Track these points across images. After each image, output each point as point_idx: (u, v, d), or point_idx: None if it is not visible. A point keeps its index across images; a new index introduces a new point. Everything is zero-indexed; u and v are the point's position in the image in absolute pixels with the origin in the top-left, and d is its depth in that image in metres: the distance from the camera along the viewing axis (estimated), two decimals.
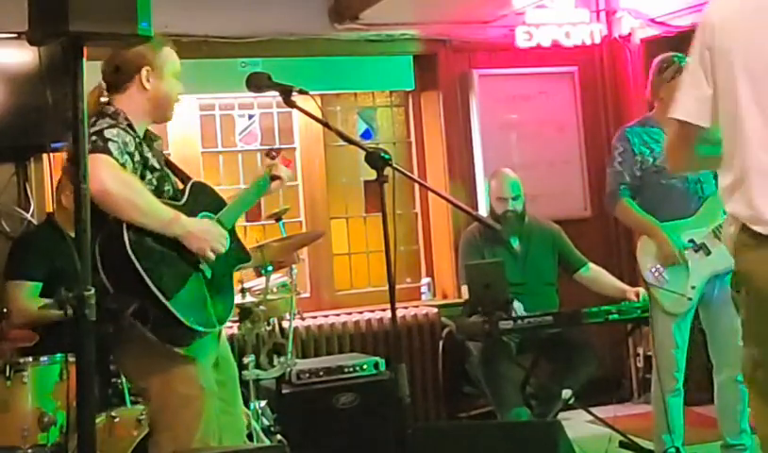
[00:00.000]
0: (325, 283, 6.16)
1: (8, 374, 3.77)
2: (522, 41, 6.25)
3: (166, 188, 3.22)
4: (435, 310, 6.03)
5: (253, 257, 4.34)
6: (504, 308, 4.63)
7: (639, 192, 4.37)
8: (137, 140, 3.15)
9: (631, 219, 4.48)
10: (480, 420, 5.49)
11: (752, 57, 2.29)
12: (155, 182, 3.17)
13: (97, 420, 3.38)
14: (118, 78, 3.21)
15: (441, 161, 6.29)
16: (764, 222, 2.23)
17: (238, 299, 4.41)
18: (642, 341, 6.02)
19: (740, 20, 2.33)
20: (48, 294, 4.28)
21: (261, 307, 4.46)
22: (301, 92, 3.10)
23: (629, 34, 6.43)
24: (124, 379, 3.95)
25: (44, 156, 5.16)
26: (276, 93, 3.11)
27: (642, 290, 4.65)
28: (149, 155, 3.19)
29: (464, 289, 5.15)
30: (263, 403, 4.53)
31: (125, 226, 2.95)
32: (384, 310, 5.84)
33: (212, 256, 3.14)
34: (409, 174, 3.47)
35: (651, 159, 4.32)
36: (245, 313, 4.46)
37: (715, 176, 2.45)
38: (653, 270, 4.31)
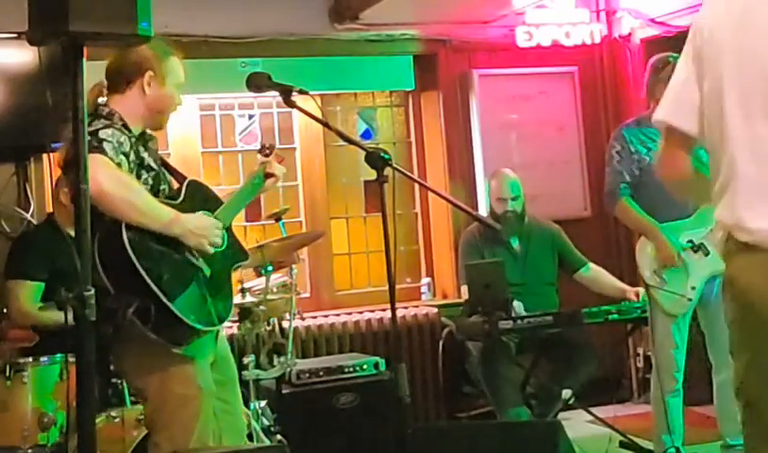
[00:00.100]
0: (325, 283, 6.16)
1: (8, 374, 3.77)
2: (522, 41, 6.25)
3: (162, 187, 3.23)
4: (435, 310, 6.03)
5: (253, 257, 4.36)
6: (504, 308, 4.63)
7: (637, 191, 4.37)
8: (132, 139, 3.15)
9: (631, 219, 4.48)
10: (480, 420, 5.49)
11: (740, 63, 2.27)
12: (150, 181, 3.18)
13: (97, 420, 3.38)
14: (120, 79, 3.21)
15: (441, 161, 6.29)
16: (747, 230, 2.23)
17: (238, 299, 4.42)
18: (642, 341, 6.02)
19: (728, 26, 2.31)
20: (49, 295, 4.28)
21: (261, 307, 4.46)
22: (301, 92, 3.10)
23: (629, 34, 6.43)
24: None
25: (44, 156, 5.16)
26: (276, 93, 3.11)
27: (641, 290, 4.65)
28: (145, 154, 3.20)
29: (464, 289, 5.15)
30: (263, 403, 4.53)
31: (123, 225, 2.95)
32: (384, 310, 5.84)
33: (210, 250, 3.14)
34: (408, 174, 3.47)
35: (648, 159, 4.32)
36: (245, 313, 4.46)
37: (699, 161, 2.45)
38: (652, 271, 4.31)
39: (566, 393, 4.67)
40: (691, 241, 4.28)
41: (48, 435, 3.77)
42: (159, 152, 3.40)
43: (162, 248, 3.04)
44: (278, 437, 4.44)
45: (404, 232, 6.27)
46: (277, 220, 4.77)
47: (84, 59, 2.55)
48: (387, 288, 2.84)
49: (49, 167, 5.11)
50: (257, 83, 3.14)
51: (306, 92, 3.11)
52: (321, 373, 4.85)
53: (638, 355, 6.25)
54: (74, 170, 2.58)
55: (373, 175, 2.90)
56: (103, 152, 2.97)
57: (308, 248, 5.84)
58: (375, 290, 6.16)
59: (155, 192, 3.16)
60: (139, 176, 3.14)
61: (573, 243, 5.38)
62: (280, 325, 4.64)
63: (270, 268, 4.45)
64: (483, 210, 5.75)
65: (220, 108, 6.03)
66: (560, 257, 5.32)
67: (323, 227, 5.94)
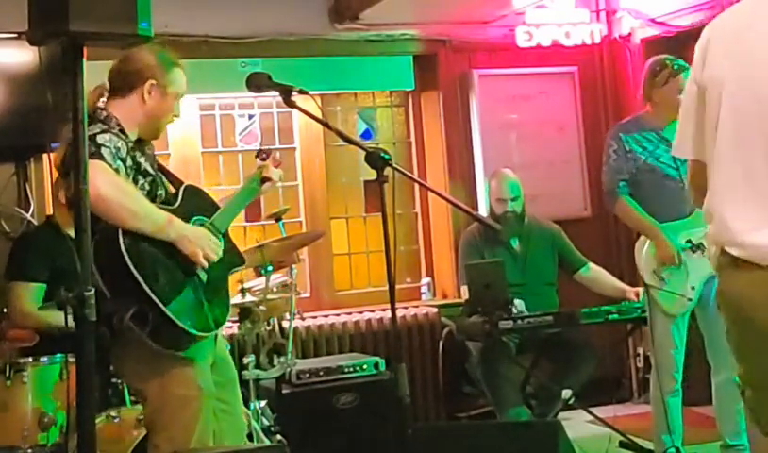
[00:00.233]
0: (325, 283, 6.16)
1: (8, 374, 3.77)
2: (522, 41, 6.25)
3: (159, 192, 3.23)
4: (435, 310, 6.03)
5: (253, 257, 4.36)
6: (504, 308, 4.63)
7: (633, 191, 4.37)
8: (129, 144, 3.15)
9: (631, 218, 4.47)
10: (480, 420, 5.49)
11: (734, 88, 2.35)
12: (147, 187, 3.18)
13: (97, 420, 3.38)
14: (122, 83, 3.21)
15: (441, 161, 6.29)
16: (738, 245, 2.31)
17: (238, 299, 4.42)
18: (642, 341, 6.02)
19: (724, 54, 2.39)
20: (51, 296, 4.28)
21: (261, 307, 4.46)
22: (301, 92, 3.10)
23: (629, 34, 6.43)
24: None
25: (44, 156, 5.16)
26: (276, 93, 3.11)
27: (641, 290, 4.64)
28: (141, 160, 3.20)
29: (464, 289, 5.15)
30: (263, 403, 4.53)
31: (120, 231, 2.95)
32: (384, 310, 5.84)
33: (205, 263, 3.13)
34: (409, 174, 3.47)
35: (644, 158, 4.32)
36: (245, 313, 4.46)
37: None
38: (652, 271, 4.31)
39: (566, 393, 4.67)
40: (689, 241, 4.28)
41: (48, 435, 3.77)
42: (159, 153, 3.40)
43: (159, 254, 3.04)
44: (278, 437, 4.44)
45: (404, 232, 6.27)
46: (277, 220, 4.77)
47: (84, 59, 2.55)
48: (387, 288, 2.84)
49: (49, 167, 5.11)
50: (257, 83, 3.14)
51: (306, 92, 3.11)
52: (321, 373, 4.84)
53: (638, 355, 6.25)
54: (73, 171, 2.58)
55: (373, 175, 2.90)
56: (101, 157, 2.97)
57: (308, 248, 5.84)
58: (375, 290, 6.16)
59: (151, 197, 3.16)
60: (135, 182, 3.13)
61: (573, 243, 5.38)
62: (280, 325, 4.64)
63: (270, 268, 4.45)
64: (483, 211, 5.75)
65: (220, 108, 6.03)
66: (560, 257, 5.32)
67: (323, 227, 5.94)
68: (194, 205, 3.28)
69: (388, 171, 2.90)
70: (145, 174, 3.19)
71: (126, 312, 2.89)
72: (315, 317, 5.80)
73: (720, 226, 2.36)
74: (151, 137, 3.34)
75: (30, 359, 3.86)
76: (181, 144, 5.84)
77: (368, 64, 6.19)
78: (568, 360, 4.94)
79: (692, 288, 4.25)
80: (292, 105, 3.11)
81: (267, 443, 4.26)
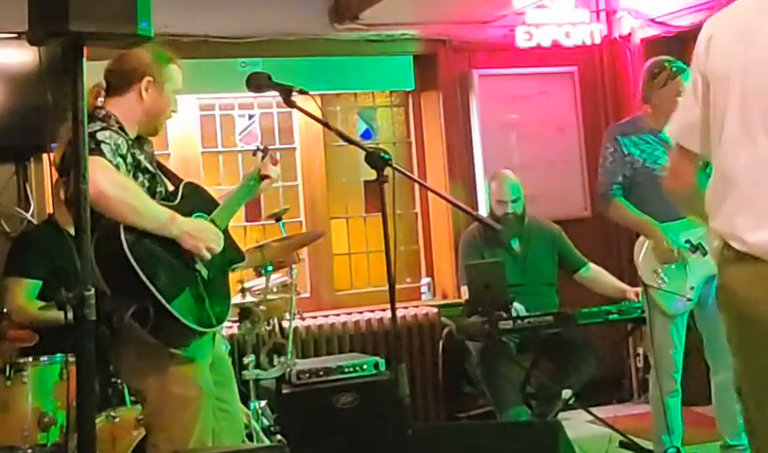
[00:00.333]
0: (324, 283, 6.16)
1: (8, 374, 3.77)
2: (522, 41, 6.25)
3: (158, 189, 3.24)
4: (435, 310, 6.03)
5: (253, 257, 4.36)
6: (504, 308, 4.63)
7: (631, 191, 4.36)
8: (129, 142, 3.15)
9: (626, 218, 4.46)
10: (480, 420, 5.49)
11: (741, 81, 2.35)
12: (147, 183, 3.18)
13: (97, 420, 3.38)
14: (119, 82, 3.22)
15: (441, 161, 6.29)
16: (741, 240, 2.30)
17: (238, 299, 4.42)
18: (642, 341, 6.01)
19: (730, 46, 2.39)
20: (48, 294, 4.28)
21: (261, 307, 4.46)
22: (301, 92, 3.10)
23: (629, 34, 6.43)
24: None
25: (44, 156, 5.16)
26: (276, 93, 3.11)
27: (641, 290, 4.64)
28: (141, 157, 3.20)
29: (464, 289, 5.15)
30: (263, 403, 4.53)
31: (121, 227, 2.95)
32: (384, 310, 5.84)
33: (208, 255, 3.14)
34: (409, 174, 3.47)
35: (642, 160, 4.32)
36: (245, 313, 4.46)
37: (708, 176, 2.51)
38: (651, 271, 4.31)
39: (566, 393, 4.67)
40: (689, 241, 4.27)
41: (48, 435, 3.77)
42: (159, 152, 3.41)
43: (160, 250, 3.04)
44: (278, 437, 4.44)
45: (404, 232, 6.27)
46: (277, 220, 4.77)
47: (84, 59, 2.55)
48: (387, 288, 2.85)
49: (49, 167, 5.11)
50: (257, 83, 3.15)
51: (306, 92, 3.11)
52: (321, 373, 4.84)
53: (638, 355, 6.25)
54: (73, 170, 2.58)
55: (373, 175, 2.90)
56: (101, 154, 2.98)
57: (308, 248, 5.84)
58: (375, 290, 6.16)
59: (151, 194, 3.17)
60: (135, 179, 3.14)
61: (573, 243, 5.38)
62: (280, 325, 4.64)
63: (270, 268, 4.45)
64: (483, 211, 5.75)
65: (220, 108, 6.03)
66: (560, 257, 5.32)
67: (323, 227, 5.94)
68: (194, 202, 3.29)
69: (388, 171, 2.90)
70: (145, 171, 3.20)
71: (127, 310, 2.89)
72: (315, 317, 5.80)
73: (724, 221, 2.36)
74: (151, 133, 3.35)
75: (30, 359, 3.86)
76: (181, 144, 5.84)
77: (368, 64, 6.19)
78: (568, 360, 4.94)
79: (692, 288, 4.25)
80: (292, 105, 3.11)
81: (267, 443, 4.26)
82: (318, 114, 3.28)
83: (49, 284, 4.33)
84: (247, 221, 5.93)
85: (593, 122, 6.51)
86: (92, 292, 2.48)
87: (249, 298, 4.51)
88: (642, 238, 4.39)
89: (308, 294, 6.01)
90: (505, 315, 4.59)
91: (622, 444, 4.64)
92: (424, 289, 6.33)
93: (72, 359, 3.49)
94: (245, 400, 4.35)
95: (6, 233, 5.11)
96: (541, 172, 6.34)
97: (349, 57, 6.11)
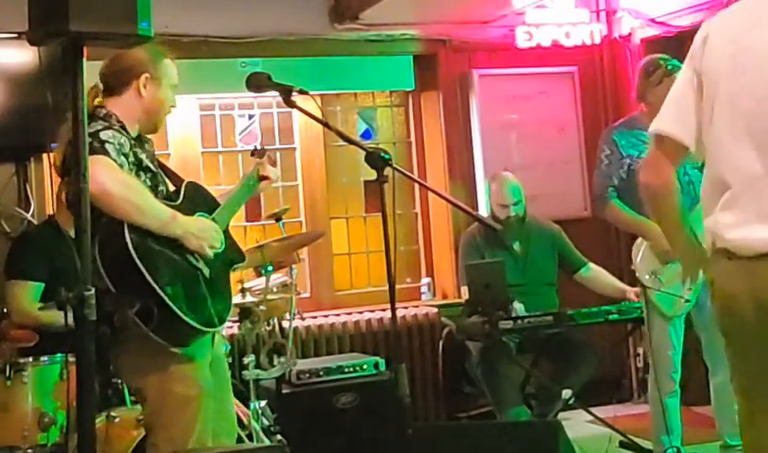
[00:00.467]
0: (324, 283, 6.16)
1: (8, 374, 3.77)
2: (522, 41, 6.25)
3: (160, 188, 3.24)
4: (435, 310, 6.03)
5: (253, 257, 4.36)
6: (504, 308, 4.63)
7: (627, 193, 4.35)
8: (131, 141, 3.16)
9: (622, 220, 4.46)
10: (480, 420, 5.49)
11: (731, 86, 2.41)
12: (149, 183, 3.19)
13: (97, 420, 3.38)
14: (116, 82, 3.23)
15: (441, 161, 6.29)
16: (725, 237, 2.41)
17: (238, 299, 4.42)
18: (642, 341, 6.00)
19: (725, 47, 2.44)
20: (50, 295, 4.28)
21: (261, 307, 4.45)
22: (301, 92, 3.10)
23: (629, 34, 6.43)
24: None
25: (44, 156, 5.17)
26: (276, 93, 3.11)
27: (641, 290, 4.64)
28: (143, 156, 3.21)
29: (464, 289, 5.14)
30: (263, 403, 4.53)
31: (126, 226, 2.96)
32: (384, 310, 5.84)
33: (210, 253, 3.15)
34: (408, 174, 3.47)
35: (640, 161, 4.31)
36: (245, 313, 4.46)
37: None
38: (649, 272, 4.30)
39: (566, 393, 4.67)
40: None
41: (48, 435, 3.77)
42: (159, 152, 3.42)
43: (163, 249, 3.05)
44: (278, 437, 4.44)
45: (404, 232, 6.27)
46: (277, 220, 4.76)
47: (84, 59, 2.55)
48: (387, 288, 2.84)
49: (49, 167, 5.11)
50: (257, 83, 3.15)
51: (306, 92, 3.11)
52: (321, 373, 4.85)
53: (638, 355, 6.25)
54: (73, 169, 2.58)
55: (373, 175, 2.90)
56: (106, 153, 2.99)
57: (308, 248, 5.84)
58: (375, 290, 6.16)
59: (153, 193, 3.17)
60: (137, 178, 3.14)
61: (573, 244, 5.38)
62: (280, 325, 4.64)
63: (270, 268, 4.45)
64: (483, 211, 5.74)
65: (220, 108, 6.03)
66: (561, 257, 5.32)
67: (323, 227, 5.94)
68: (196, 201, 3.30)
69: (388, 171, 2.90)
70: (147, 170, 3.20)
71: (131, 308, 2.89)
72: (315, 317, 5.80)
73: (711, 219, 2.45)
74: (151, 131, 3.36)
75: (30, 359, 3.86)
76: (181, 144, 5.84)
77: (368, 64, 6.19)
78: (568, 360, 4.94)
79: (690, 289, 4.24)
80: (292, 105, 3.11)
81: (267, 443, 4.25)
82: (318, 114, 3.28)
83: (50, 285, 4.32)
84: (247, 221, 5.94)
85: (593, 122, 6.51)
86: (92, 292, 2.48)
87: (249, 298, 4.51)
88: (639, 239, 4.38)
89: (308, 294, 6.01)
90: (505, 315, 4.59)
91: (622, 444, 4.64)
92: (424, 289, 6.33)
93: (72, 359, 3.49)
94: (245, 400, 4.35)
95: (6, 233, 5.11)
96: (541, 172, 6.34)
97: (349, 57, 6.11)
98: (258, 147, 3.65)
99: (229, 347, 4.33)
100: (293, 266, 4.66)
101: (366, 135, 6.38)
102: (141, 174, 3.17)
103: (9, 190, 5.19)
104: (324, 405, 4.77)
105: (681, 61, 4.24)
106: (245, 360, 4.47)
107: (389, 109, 6.49)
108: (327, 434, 4.72)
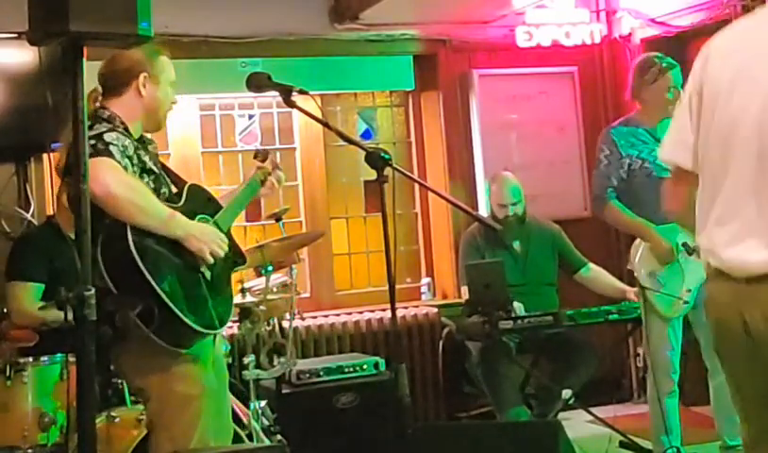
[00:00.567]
0: (325, 283, 6.16)
1: (8, 374, 3.77)
2: (522, 41, 6.25)
3: (163, 190, 3.24)
4: (435, 310, 6.03)
5: (253, 257, 4.35)
6: (504, 308, 4.63)
7: (627, 193, 4.35)
8: (134, 144, 3.16)
9: (621, 221, 4.46)
10: (480, 420, 5.49)
11: (726, 110, 2.39)
12: (152, 185, 3.19)
13: (97, 420, 3.38)
14: (115, 83, 3.23)
15: (441, 161, 6.29)
16: (717, 257, 2.40)
17: (238, 299, 4.42)
18: (642, 341, 6.01)
19: (724, 64, 2.43)
20: (50, 296, 4.28)
21: (261, 307, 4.45)
22: (301, 92, 3.10)
23: (629, 34, 6.43)
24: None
25: (44, 156, 5.17)
26: (276, 93, 3.11)
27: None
28: (146, 158, 3.21)
29: (464, 289, 5.14)
30: (263, 403, 4.53)
31: (128, 227, 2.96)
32: (384, 310, 5.84)
33: (211, 259, 3.14)
34: (409, 174, 3.47)
35: (640, 161, 4.32)
36: (245, 313, 4.46)
37: None
38: (648, 273, 4.30)
39: (566, 393, 4.68)
40: (685, 244, 4.25)
41: (48, 435, 3.76)
42: (159, 153, 3.42)
43: (165, 251, 3.05)
44: (278, 437, 4.43)
45: (404, 232, 6.27)
46: (277, 220, 4.76)
47: (84, 59, 2.55)
48: (387, 288, 2.85)
49: (49, 167, 5.12)
50: (257, 83, 3.15)
51: (306, 92, 3.11)
52: (321, 373, 4.85)
53: (638, 355, 6.25)
54: (73, 170, 2.58)
55: (373, 175, 2.90)
56: (110, 155, 3.00)
57: (308, 248, 5.84)
58: (375, 290, 6.16)
59: (156, 195, 3.17)
60: (141, 180, 3.14)
61: (573, 243, 5.38)
62: (280, 325, 4.64)
63: (270, 268, 4.45)
64: (483, 211, 5.74)
65: (220, 108, 6.03)
66: (561, 257, 5.32)
67: (323, 227, 5.94)
68: (198, 203, 3.30)
69: (388, 171, 2.90)
70: (149, 172, 3.20)
71: (132, 309, 2.90)
72: (315, 317, 5.80)
73: (705, 238, 2.45)
74: (154, 129, 3.36)
75: (30, 359, 3.86)
76: (181, 144, 5.84)
77: (368, 64, 6.19)
78: (568, 360, 4.94)
79: (688, 290, 4.25)
80: (291, 105, 3.11)
81: (267, 443, 4.25)
82: (318, 114, 3.28)
83: (50, 286, 4.32)
84: (247, 221, 5.93)
85: (593, 122, 6.51)
86: (92, 292, 2.48)
87: (249, 298, 4.51)
88: (637, 240, 4.38)
89: (308, 294, 6.01)
90: (505, 315, 4.59)
91: (622, 444, 4.64)
92: (424, 289, 6.33)
93: (72, 359, 3.49)
94: (245, 400, 4.35)
95: (6, 233, 5.11)
96: (541, 172, 6.34)
97: (349, 57, 6.11)
98: (261, 149, 3.65)
99: (229, 347, 4.33)
100: (293, 266, 4.66)
101: (366, 135, 6.38)
102: (145, 176, 3.17)
103: (9, 190, 5.19)
104: (324, 405, 4.77)
105: (681, 61, 4.29)
106: (245, 360, 4.47)
107: (389, 109, 6.49)
108: (327, 434, 4.73)
